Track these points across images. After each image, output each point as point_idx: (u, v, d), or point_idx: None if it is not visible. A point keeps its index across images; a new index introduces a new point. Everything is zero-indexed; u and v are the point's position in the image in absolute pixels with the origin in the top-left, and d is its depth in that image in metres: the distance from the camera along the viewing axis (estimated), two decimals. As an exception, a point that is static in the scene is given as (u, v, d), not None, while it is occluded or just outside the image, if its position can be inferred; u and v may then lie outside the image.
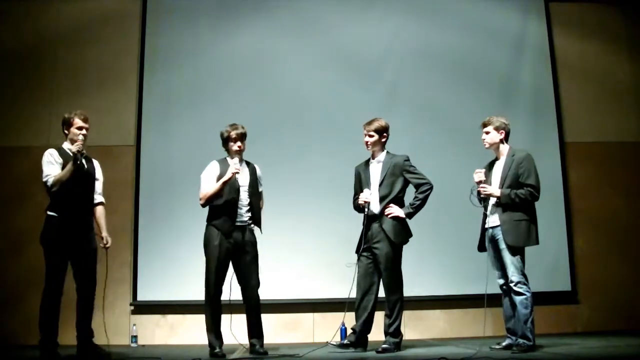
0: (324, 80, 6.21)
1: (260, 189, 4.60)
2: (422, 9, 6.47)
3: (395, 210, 4.40)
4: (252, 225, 4.47)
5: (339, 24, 6.38)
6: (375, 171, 4.55)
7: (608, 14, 6.66)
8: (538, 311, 5.85)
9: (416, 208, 4.44)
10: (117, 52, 6.23)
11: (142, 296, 5.77)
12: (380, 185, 4.49)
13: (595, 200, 6.24)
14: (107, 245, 4.40)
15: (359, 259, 4.52)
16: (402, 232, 4.45)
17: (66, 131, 4.34)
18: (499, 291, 4.37)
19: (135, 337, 5.50)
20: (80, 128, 4.30)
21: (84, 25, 6.26)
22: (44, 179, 4.16)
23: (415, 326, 5.79)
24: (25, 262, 5.74)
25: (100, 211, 4.43)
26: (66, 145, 4.34)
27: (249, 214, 4.43)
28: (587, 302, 6.04)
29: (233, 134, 4.44)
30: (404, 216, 4.41)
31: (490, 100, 6.25)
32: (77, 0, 6.33)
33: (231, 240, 4.33)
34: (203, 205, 4.44)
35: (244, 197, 4.42)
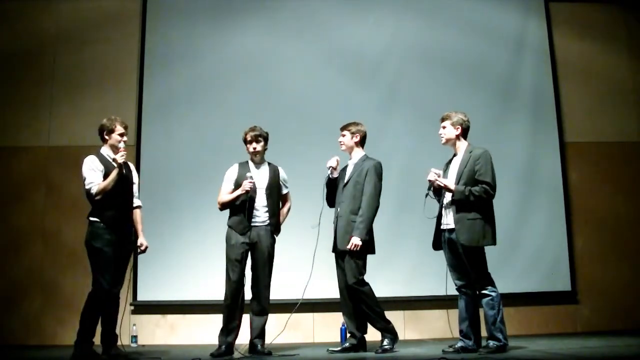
0: (323, 80, 6.21)
1: (284, 191, 4.64)
2: (422, 9, 6.47)
3: (354, 242, 4.30)
4: (269, 226, 4.47)
5: (338, 24, 6.37)
6: (347, 172, 4.57)
7: (608, 13, 6.65)
8: (538, 311, 5.95)
9: (360, 228, 4.32)
10: (117, 52, 6.22)
11: (142, 296, 5.77)
12: (345, 185, 4.49)
13: (595, 200, 6.24)
14: (143, 250, 4.43)
15: (336, 261, 4.53)
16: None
17: (107, 137, 4.32)
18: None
19: (135, 337, 5.50)
20: (122, 135, 4.31)
21: (83, 25, 6.26)
22: (87, 186, 4.15)
23: (415, 326, 5.78)
24: (25, 262, 5.76)
25: (138, 215, 4.46)
26: (105, 151, 4.31)
27: (267, 215, 4.44)
28: (587, 302, 6.04)
29: (248, 136, 4.51)
30: (360, 243, 4.30)
31: (490, 100, 6.25)
32: (77, 0, 6.32)
33: (247, 240, 4.37)
34: (220, 209, 4.50)
35: (262, 198, 4.44)
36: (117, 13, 6.32)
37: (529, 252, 6.01)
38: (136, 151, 5.99)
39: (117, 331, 4.29)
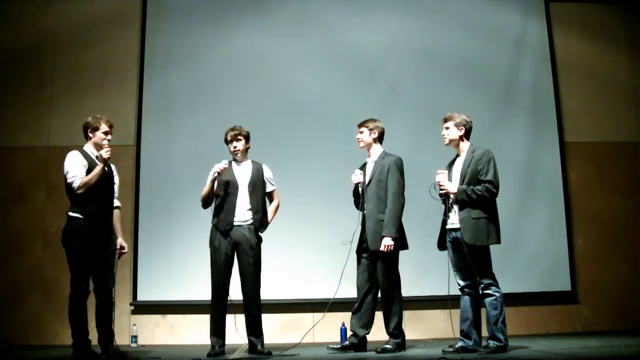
0: (324, 80, 6.22)
1: (270, 189, 4.63)
2: (422, 9, 6.48)
3: (386, 243, 4.29)
4: (253, 225, 4.47)
5: (339, 24, 6.38)
6: (368, 170, 4.56)
7: (608, 13, 6.66)
8: (538, 311, 5.95)
9: (389, 227, 4.31)
10: (117, 52, 6.22)
11: (142, 296, 5.77)
12: (368, 184, 4.48)
13: (595, 200, 6.24)
14: (124, 251, 4.44)
15: (358, 260, 4.52)
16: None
17: (90, 135, 4.33)
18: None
19: (135, 337, 5.50)
20: (106, 133, 4.32)
21: (84, 25, 6.26)
22: (70, 180, 4.14)
23: (415, 326, 5.78)
24: (25, 262, 5.76)
25: (116, 215, 4.46)
26: (88, 149, 4.32)
27: (250, 213, 4.44)
28: (587, 302, 6.04)
29: (228, 135, 4.54)
30: (392, 243, 4.30)
31: (490, 100, 6.26)
32: (77, 0, 6.32)
33: (230, 239, 4.38)
34: (203, 206, 4.52)
35: (244, 197, 4.45)
36: (117, 13, 6.32)
37: (529, 252, 6.01)
38: (136, 151, 6.00)
39: (116, 331, 4.29)
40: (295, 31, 6.34)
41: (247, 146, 4.58)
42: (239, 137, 4.52)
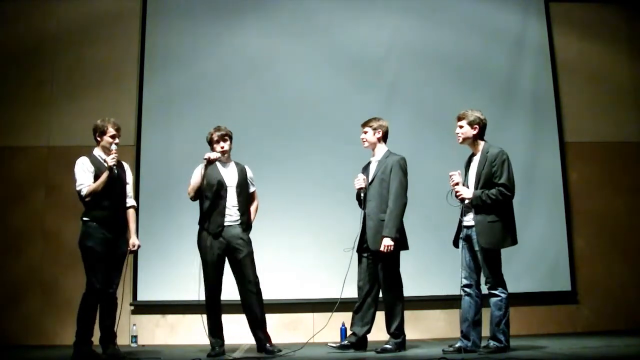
0: (323, 80, 6.21)
1: (251, 190, 4.62)
2: (422, 9, 6.47)
3: (386, 243, 4.27)
4: (241, 225, 4.43)
5: (339, 24, 6.38)
6: (371, 170, 4.55)
7: (608, 13, 6.66)
8: (538, 311, 5.96)
9: (389, 227, 4.29)
10: (117, 52, 6.22)
11: (142, 296, 5.78)
12: (371, 184, 4.47)
13: (595, 200, 6.24)
14: (134, 249, 4.45)
15: (359, 259, 4.52)
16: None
17: (98, 138, 4.35)
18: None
19: (135, 337, 5.50)
20: (113, 137, 4.34)
21: (84, 25, 6.26)
22: (78, 188, 4.22)
23: (415, 326, 5.78)
24: (24, 262, 5.76)
25: (131, 214, 4.48)
26: (97, 152, 4.35)
27: (238, 213, 4.43)
28: (587, 302, 6.04)
29: (215, 136, 4.48)
30: (392, 243, 4.28)
31: (490, 100, 6.24)
32: (77, 0, 6.32)
33: (222, 240, 4.36)
34: (192, 199, 4.47)
35: (232, 197, 4.44)
36: (117, 13, 6.31)
37: (529, 252, 6.00)
38: (136, 151, 6.00)
39: (117, 331, 4.29)
40: (295, 31, 6.34)
41: (231, 146, 4.55)
42: (226, 137, 4.49)
